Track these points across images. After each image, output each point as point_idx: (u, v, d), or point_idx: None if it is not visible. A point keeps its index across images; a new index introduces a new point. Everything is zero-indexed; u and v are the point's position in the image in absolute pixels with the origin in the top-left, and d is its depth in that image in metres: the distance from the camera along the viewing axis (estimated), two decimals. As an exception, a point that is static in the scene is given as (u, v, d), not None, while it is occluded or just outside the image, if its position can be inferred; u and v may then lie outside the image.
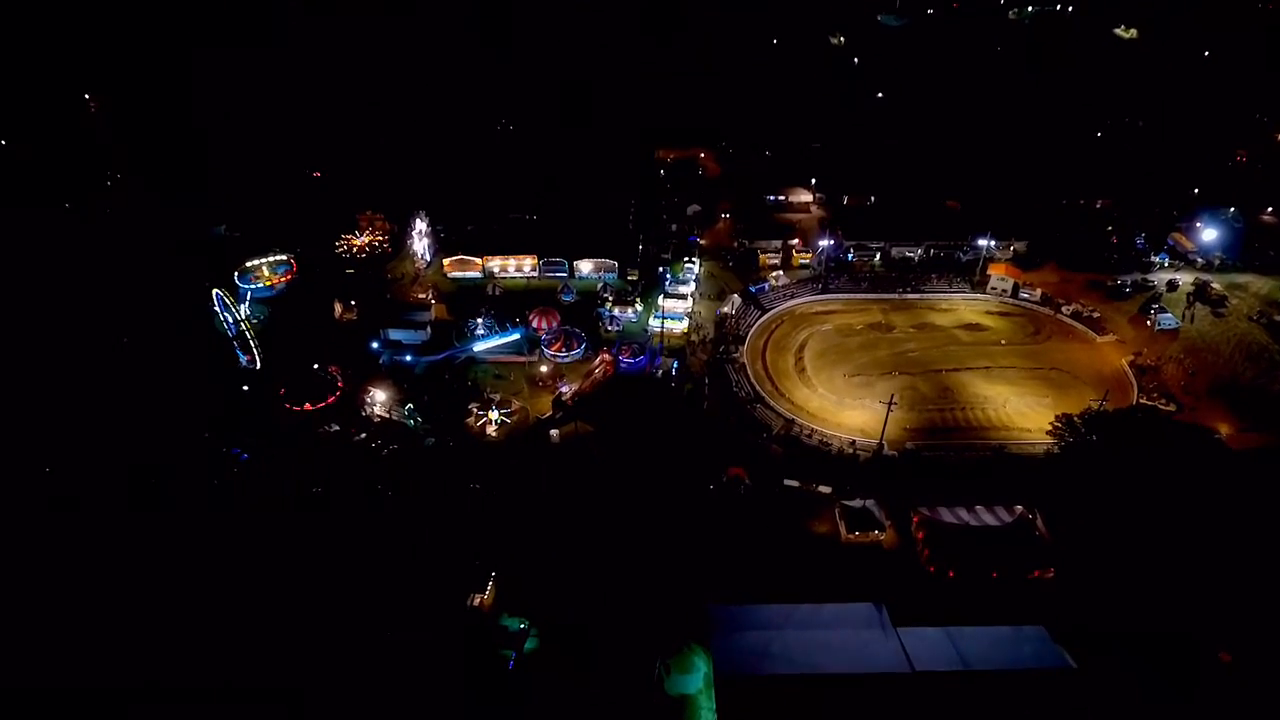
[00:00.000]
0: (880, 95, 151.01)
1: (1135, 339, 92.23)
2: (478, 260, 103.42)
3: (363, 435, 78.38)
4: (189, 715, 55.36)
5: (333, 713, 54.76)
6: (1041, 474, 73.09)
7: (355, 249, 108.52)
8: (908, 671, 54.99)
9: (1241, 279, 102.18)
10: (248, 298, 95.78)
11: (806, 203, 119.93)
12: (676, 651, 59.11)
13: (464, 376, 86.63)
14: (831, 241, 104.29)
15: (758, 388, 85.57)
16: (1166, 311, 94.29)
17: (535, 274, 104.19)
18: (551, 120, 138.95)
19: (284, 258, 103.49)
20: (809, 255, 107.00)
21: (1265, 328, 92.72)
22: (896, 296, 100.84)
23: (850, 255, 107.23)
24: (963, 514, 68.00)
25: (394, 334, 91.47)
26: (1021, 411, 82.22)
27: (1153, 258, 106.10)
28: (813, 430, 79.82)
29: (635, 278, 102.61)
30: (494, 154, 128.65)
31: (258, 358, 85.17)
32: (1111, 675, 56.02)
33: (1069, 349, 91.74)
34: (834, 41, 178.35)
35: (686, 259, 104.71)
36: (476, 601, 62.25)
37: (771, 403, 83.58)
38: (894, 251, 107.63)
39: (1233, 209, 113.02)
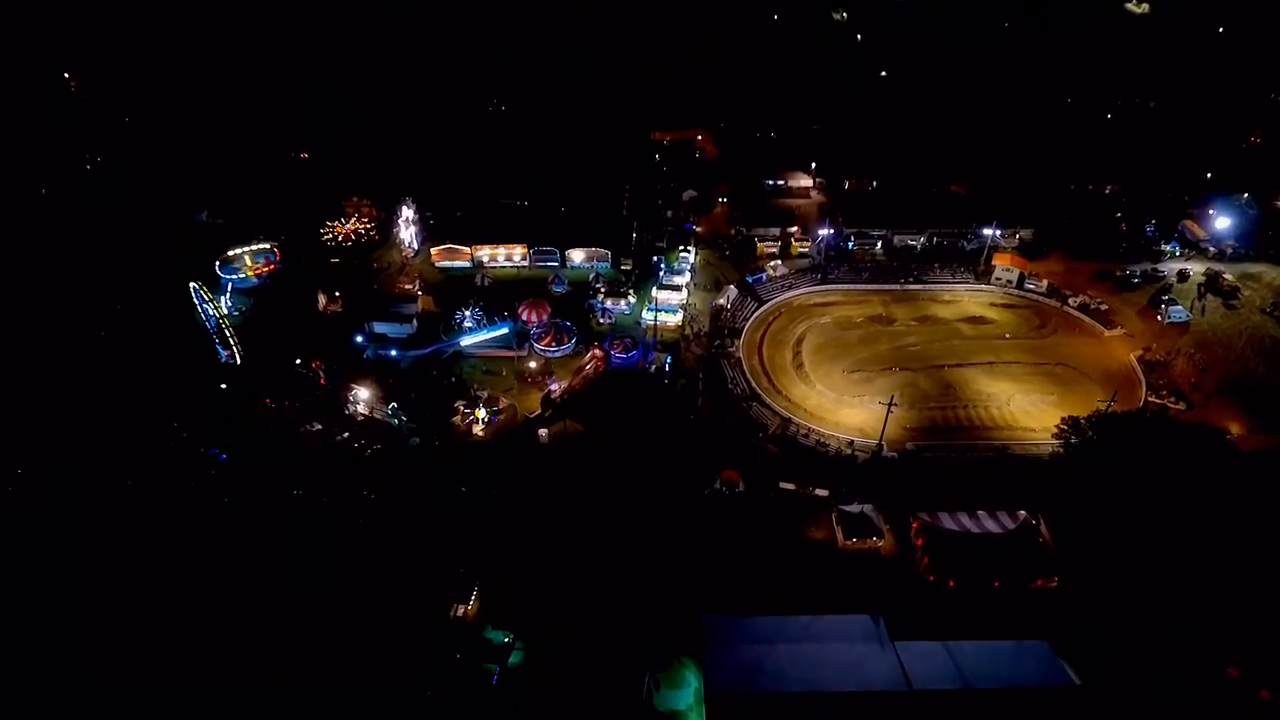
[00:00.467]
0: (884, 74, 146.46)
1: (1144, 333, 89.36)
2: (466, 249, 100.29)
3: (345, 435, 75.99)
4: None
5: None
6: (1046, 477, 70.73)
7: (341, 237, 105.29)
8: (905, 690, 53.07)
9: (1254, 269, 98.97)
10: (229, 289, 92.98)
11: (806, 188, 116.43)
12: (667, 665, 57.16)
13: (451, 372, 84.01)
14: (831, 231, 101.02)
15: (753, 384, 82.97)
16: (1177, 304, 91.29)
17: (526, 263, 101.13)
18: (547, 98, 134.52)
19: (267, 246, 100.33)
20: (808, 244, 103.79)
21: (1279, 321, 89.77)
22: (898, 287, 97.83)
23: (851, 244, 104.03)
24: (964, 520, 65.78)
25: (379, 327, 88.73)
26: (1025, 410, 79.69)
27: (1163, 246, 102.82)
28: (810, 429, 77.35)
29: (629, 267, 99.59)
30: (486, 136, 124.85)
31: (237, 353, 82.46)
32: (1117, 692, 54.10)
33: (1075, 343, 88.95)
34: (836, 17, 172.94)
35: (682, 248, 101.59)
36: (460, 612, 60.28)
37: (768, 400, 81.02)
38: (896, 240, 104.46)
39: (1246, 195, 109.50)
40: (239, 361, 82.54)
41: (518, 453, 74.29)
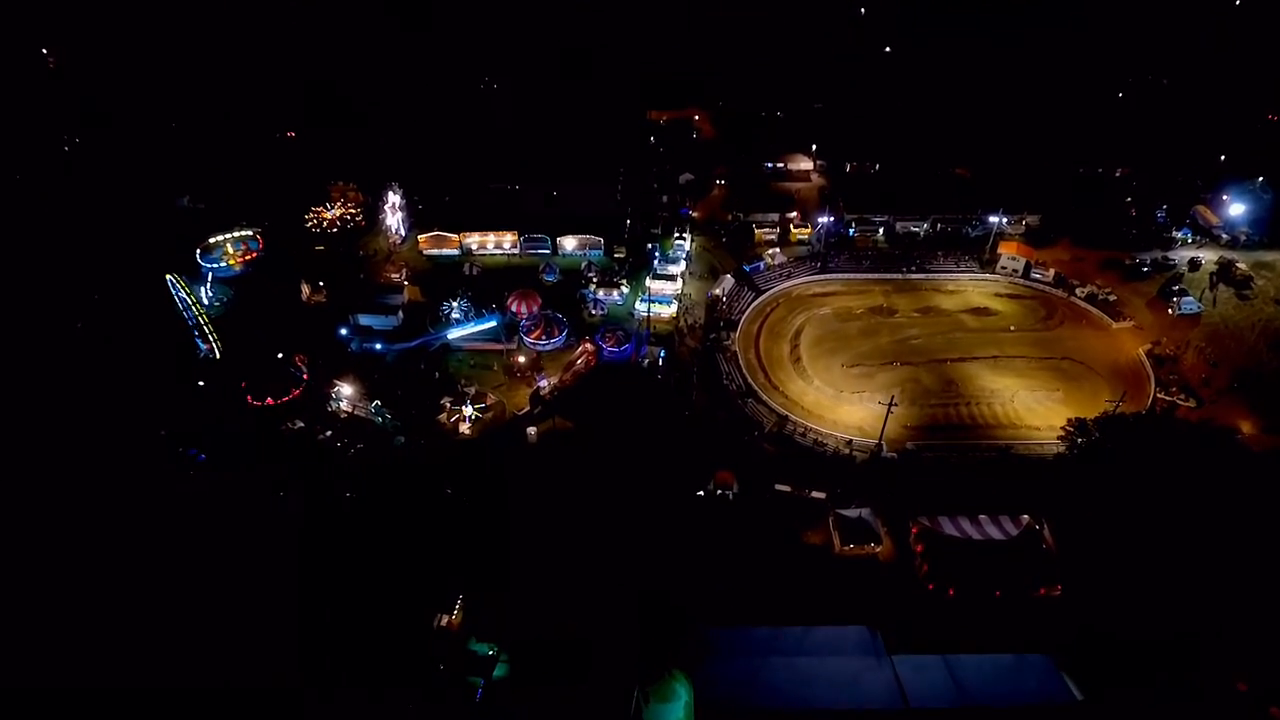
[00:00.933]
0: (888, 49, 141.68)
1: (1154, 325, 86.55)
2: (455, 236, 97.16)
3: (328, 433, 73.74)
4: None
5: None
6: (1050, 479, 68.48)
7: (326, 223, 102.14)
8: (901, 708, 51.36)
9: (1269, 257, 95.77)
10: (209, 279, 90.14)
11: (806, 170, 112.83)
12: (656, 678, 55.37)
13: (437, 366, 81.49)
14: (831, 218, 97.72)
15: (750, 380, 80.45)
16: (1189, 295, 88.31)
17: (516, 251, 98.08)
18: (544, 74, 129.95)
19: (250, 233, 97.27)
20: (807, 230, 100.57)
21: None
22: (900, 276, 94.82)
23: (852, 230, 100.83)
24: (965, 525, 63.66)
25: (364, 319, 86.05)
26: (1030, 407, 77.22)
27: (1174, 233, 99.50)
28: (807, 428, 74.99)
29: (622, 255, 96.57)
30: (477, 115, 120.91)
31: (216, 347, 79.89)
32: (1120, 708, 52.39)
33: (1082, 336, 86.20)
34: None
35: (677, 234, 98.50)
36: (444, 623, 58.45)
37: (764, 396, 78.56)
38: (898, 226, 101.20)
39: (1261, 178, 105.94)
40: (219, 356, 79.98)
41: (506, 452, 72.04)
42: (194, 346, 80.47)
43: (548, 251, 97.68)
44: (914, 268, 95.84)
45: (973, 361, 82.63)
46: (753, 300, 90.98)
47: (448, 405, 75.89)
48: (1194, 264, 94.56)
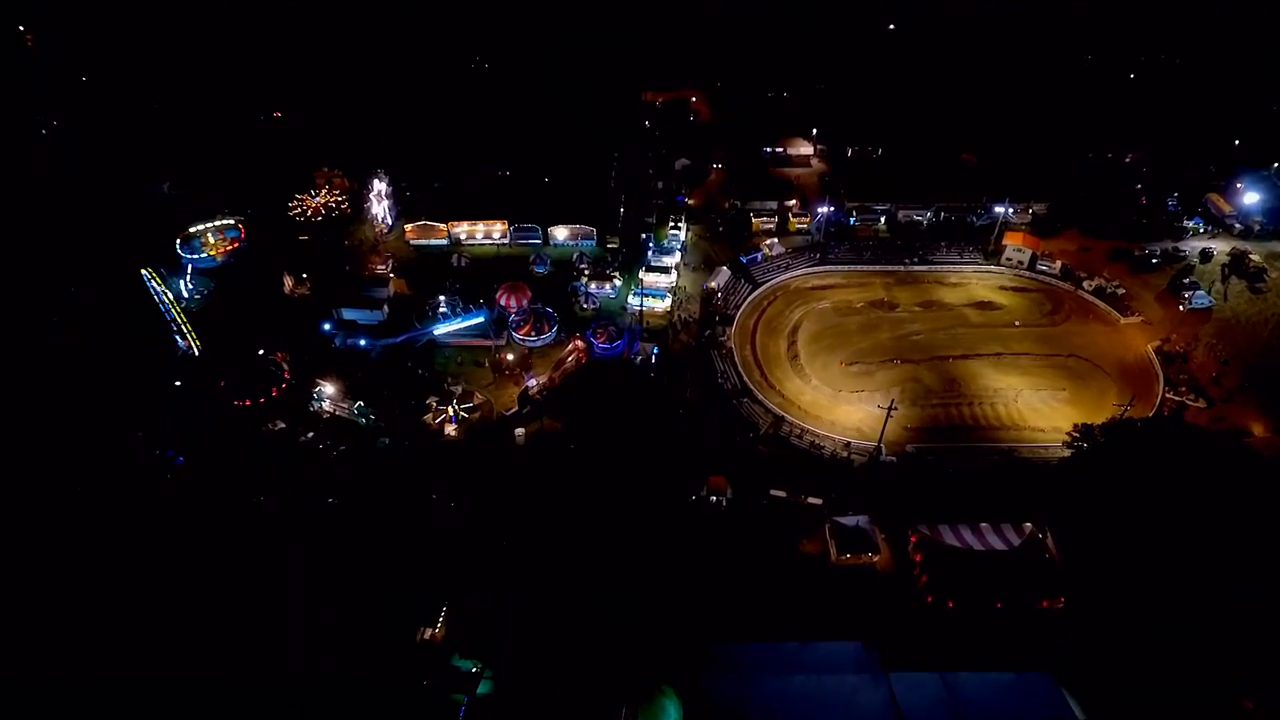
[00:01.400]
0: (892, 27, 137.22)
1: (1163, 320, 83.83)
2: (443, 226, 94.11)
3: (310, 435, 71.47)
4: None
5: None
6: (1055, 484, 66.26)
7: (311, 211, 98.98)
8: (898, 730, 49.62)
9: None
10: (189, 271, 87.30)
11: (807, 155, 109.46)
12: (645, 695, 53.64)
13: (423, 364, 78.99)
14: (831, 208, 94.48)
15: (745, 378, 77.99)
16: (1200, 289, 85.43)
17: (506, 241, 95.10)
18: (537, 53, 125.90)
19: (232, 222, 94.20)
20: (807, 219, 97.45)
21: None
22: (902, 268, 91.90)
23: (853, 219, 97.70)
24: (965, 534, 61.59)
25: (348, 313, 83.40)
26: (1034, 407, 74.83)
27: (1185, 223, 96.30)
28: (804, 430, 72.68)
29: (615, 245, 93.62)
30: (466, 97, 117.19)
31: (194, 343, 77.32)
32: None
33: (1089, 331, 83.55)
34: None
35: (672, 223, 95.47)
36: (427, 636, 56.63)
37: (760, 396, 76.16)
38: (901, 215, 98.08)
39: (1276, 165, 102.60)
40: (198, 353, 77.46)
41: (493, 455, 69.84)
42: (172, 343, 77.88)
43: (539, 241, 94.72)
44: (916, 259, 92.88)
45: (976, 359, 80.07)
46: (749, 293, 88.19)
47: (434, 405, 73.56)
48: (1205, 255, 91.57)
